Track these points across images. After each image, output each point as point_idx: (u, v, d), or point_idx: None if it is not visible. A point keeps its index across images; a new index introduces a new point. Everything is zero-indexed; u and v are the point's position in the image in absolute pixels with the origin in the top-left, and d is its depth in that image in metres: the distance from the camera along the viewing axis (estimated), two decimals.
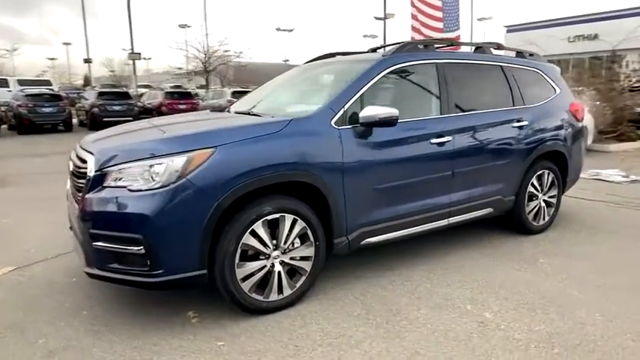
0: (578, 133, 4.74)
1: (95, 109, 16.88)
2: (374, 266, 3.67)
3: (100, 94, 18.10)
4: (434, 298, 3.16)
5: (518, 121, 4.12)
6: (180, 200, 2.56)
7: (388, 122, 3.09)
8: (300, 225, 2.95)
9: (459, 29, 18.16)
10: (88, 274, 2.75)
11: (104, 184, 2.68)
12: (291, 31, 51.60)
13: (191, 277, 2.65)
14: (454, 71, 3.79)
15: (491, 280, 3.46)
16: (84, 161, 2.88)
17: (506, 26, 33.89)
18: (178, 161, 2.59)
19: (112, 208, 2.60)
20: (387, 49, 3.62)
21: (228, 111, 4.18)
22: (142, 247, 2.54)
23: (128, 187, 2.60)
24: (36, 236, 4.47)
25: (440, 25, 17.78)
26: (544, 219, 4.52)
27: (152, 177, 2.60)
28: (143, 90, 27.52)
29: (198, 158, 2.62)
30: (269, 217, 2.82)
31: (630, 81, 11.79)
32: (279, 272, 2.92)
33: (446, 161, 3.60)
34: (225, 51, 28.95)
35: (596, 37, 26.29)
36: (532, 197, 4.38)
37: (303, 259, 3.01)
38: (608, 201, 5.75)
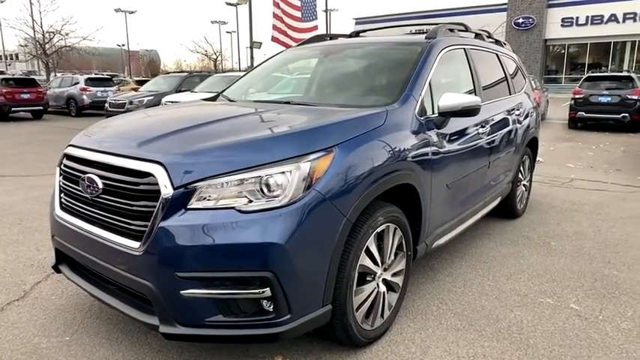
0: (539, 120, 5.09)
1: None
2: (416, 267, 3.38)
3: None
4: (510, 296, 3.01)
5: (517, 108, 4.21)
6: (312, 219, 1.91)
7: (470, 111, 2.80)
8: (398, 234, 2.50)
9: (316, 19, 18.78)
10: (166, 335, 1.90)
11: (187, 206, 1.87)
12: (132, 12, 45.97)
13: (317, 317, 2.02)
14: (475, 57, 3.65)
15: (534, 269, 3.44)
16: (134, 173, 1.97)
17: (355, 18, 35.88)
18: (305, 167, 1.93)
19: (215, 239, 1.81)
20: (429, 30, 3.29)
21: (231, 100, 3.40)
22: (268, 287, 1.84)
23: (237, 208, 1.85)
24: None
25: (298, 14, 18.15)
26: (523, 202, 4.76)
27: (264, 190, 1.89)
28: None
29: (323, 162, 1.99)
30: (378, 230, 2.32)
31: None
32: (383, 293, 2.45)
33: (485, 151, 3.47)
34: (68, 32, 24.73)
35: None
36: (518, 182, 4.55)
37: (395, 274, 2.58)
38: (534, 180, 6.35)
